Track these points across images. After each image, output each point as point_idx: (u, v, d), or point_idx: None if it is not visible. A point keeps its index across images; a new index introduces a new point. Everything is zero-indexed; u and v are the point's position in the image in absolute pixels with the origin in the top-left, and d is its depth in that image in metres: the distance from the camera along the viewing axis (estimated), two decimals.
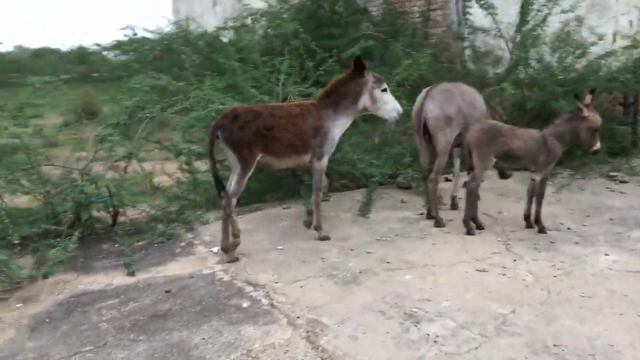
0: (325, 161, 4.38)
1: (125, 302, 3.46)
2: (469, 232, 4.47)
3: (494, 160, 4.40)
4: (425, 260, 3.97)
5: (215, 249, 4.28)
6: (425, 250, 4.16)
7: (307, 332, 2.99)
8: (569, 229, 4.57)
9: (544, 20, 6.62)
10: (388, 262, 3.95)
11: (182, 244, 4.50)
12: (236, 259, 4.06)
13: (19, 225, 4.16)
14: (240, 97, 5.78)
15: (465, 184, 4.73)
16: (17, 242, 4.11)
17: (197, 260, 4.14)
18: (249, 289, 3.59)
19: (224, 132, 4.04)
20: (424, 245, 4.27)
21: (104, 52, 9.41)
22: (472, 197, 4.50)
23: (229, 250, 4.08)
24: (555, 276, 3.64)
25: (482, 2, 7.06)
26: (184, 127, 5.35)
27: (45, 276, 3.69)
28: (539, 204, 4.49)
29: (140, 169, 5.34)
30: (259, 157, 4.12)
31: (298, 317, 3.16)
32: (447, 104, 4.73)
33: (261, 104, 4.90)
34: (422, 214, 5.06)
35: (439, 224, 4.76)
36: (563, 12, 6.69)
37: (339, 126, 4.40)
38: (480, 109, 4.89)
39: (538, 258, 3.95)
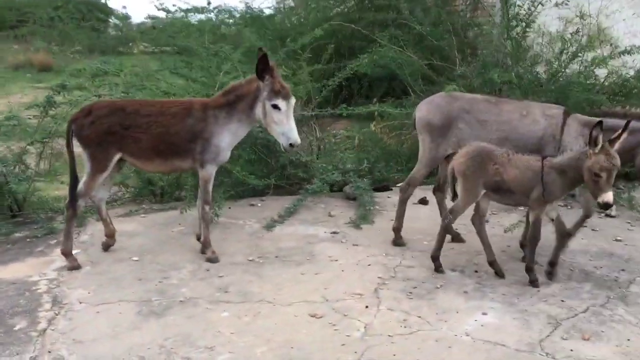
0: (209, 170, 3.85)
1: None
2: (437, 270, 3.76)
3: (482, 191, 3.63)
4: (267, 294, 3.44)
5: (74, 251, 4.00)
6: (281, 281, 3.61)
7: None
8: (476, 271, 3.79)
9: None
10: (226, 292, 3.47)
11: (53, 241, 4.26)
12: (76, 267, 3.76)
13: None
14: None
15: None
16: None
17: (43, 263, 3.89)
18: (46, 306, 3.27)
19: (76, 127, 3.73)
20: (286, 274, 3.72)
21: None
22: (443, 233, 3.79)
23: (68, 255, 3.78)
24: (390, 335, 2.99)
25: None
26: None
27: None
28: (530, 251, 3.61)
29: None
30: (116, 156, 3.76)
31: (49, 352, 2.81)
32: (436, 110, 4.05)
33: (135, 99, 4.48)
34: (334, 232, 4.46)
35: (396, 241, 4.19)
36: None
37: (227, 132, 3.83)
38: (499, 132, 3.91)
39: (397, 308, 3.29)
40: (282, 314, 3.21)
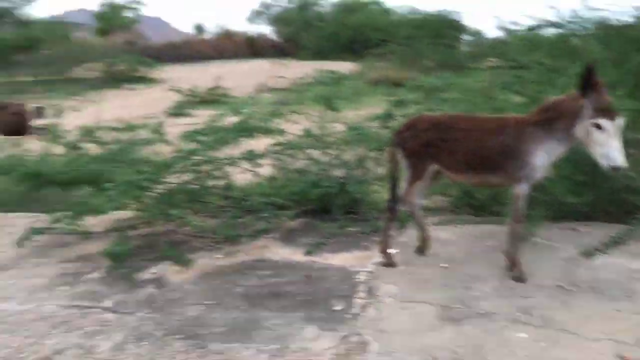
0: (522, 187, 3.81)
1: (272, 275, 4.12)
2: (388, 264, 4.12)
3: None
4: (571, 324, 3.25)
5: (393, 251, 4.41)
6: (590, 314, 3.36)
7: None
8: None
9: None
10: (527, 313, 3.39)
11: (376, 239, 4.77)
12: (391, 264, 4.16)
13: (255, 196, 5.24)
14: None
15: None
16: (249, 209, 5.18)
17: (365, 256, 4.40)
18: (361, 295, 3.73)
19: (400, 139, 4.14)
20: (597, 307, 3.43)
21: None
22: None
23: (384, 252, 4.20)
24: None
25: None
26: None
27: (230, 238, 4.67)
28: None
29: None
30: (432, 167, 4.05)
31: (357, 335, 3.22)
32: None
33: (454, 114, 4.60)
34: None
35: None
36: None
37: (543, 151, 3.73)
38: None
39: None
40: (584, 348, 3.00)
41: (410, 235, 4.80)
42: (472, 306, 3.51)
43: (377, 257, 4.29)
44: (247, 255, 4.54)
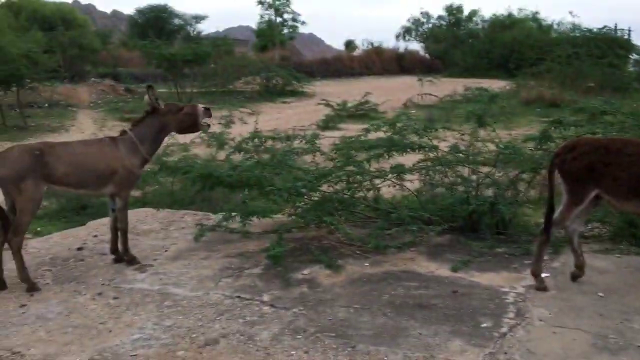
0: None
1: (418, 287, 4.22)
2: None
3: None
4: None
5: (544, 275, 4.31)
6: None
7: None
8: None
9: None
10: None
11: (527, 261, 4.67)
12: (543, 288, 4.06)
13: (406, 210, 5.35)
14: None
15: None
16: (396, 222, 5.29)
17: (515, 278, 4.34)
18: (510, 315, 3.71)
19: (559, 160, 4.05)
20: None
21: None
22: None
23: (537, 276, 4.11)
24: None
25: None
26: None
27: (378, 248, 4.81)
28: None
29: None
30: (593, 192, 3.92)
31: (505, 353, 3.22)
32: None
33: (619, 138, 4.35)
34: None
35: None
36: None
37: None
38: None
39: None
40: None
41: (562, 261, 4.65)
42: (630, 338, 3.35)
43: (528, 280, 4.22)
44: (394, 266, 4.69)
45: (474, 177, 5.63)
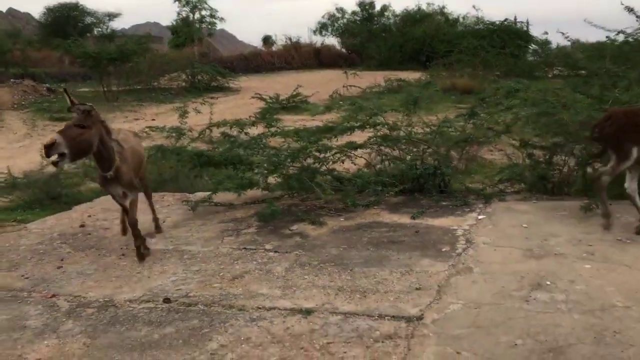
0: None
1: (388, 231, 5.35)
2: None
3: None
4: (629, 260, 4.32)
5: (480, 216, 5.56)
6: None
7: None
8: None
9: None
10: (592, 254, 4.49)
11: (467, 209, 5.91)
12: (609, 225, 5.03)
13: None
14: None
15: None
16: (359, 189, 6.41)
17: (460, 220, 5.56)
18: (461, 242, 4.92)
19: (599, 129, 5.04)
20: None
21: None
22: None
23: (609, 216, 5.03)
24: None
25: None
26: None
27: (354, 205, 5.94)
28: None
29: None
30: (634, 149, 4.82)
31: (462, 263, 4.42)
32: None
33: None
34: None
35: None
36: None
37: None
38: None
39: None
40: (633, 273, 4.08)
41: (493, 207, 5.93)
42: (548, 251, 4.62)
43: (470, 221, 5.47)
44: (364, 219, 5.80)
45: (417, 149, 6.85)
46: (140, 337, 3.60)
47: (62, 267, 4.98)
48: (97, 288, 4.45)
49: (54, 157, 4.24)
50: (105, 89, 22.94)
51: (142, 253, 5.00)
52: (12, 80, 24.77)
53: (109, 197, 5.30)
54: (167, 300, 4.12)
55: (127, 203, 5.05)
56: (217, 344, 3.44)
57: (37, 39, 33.09)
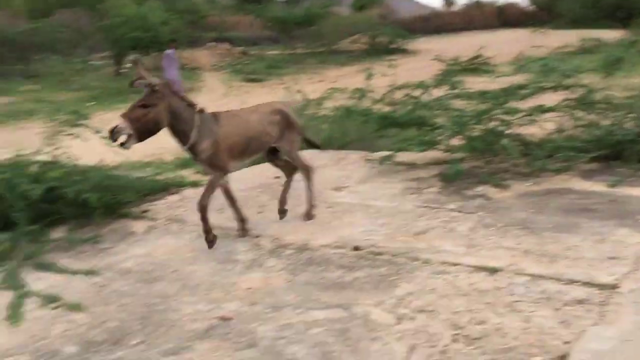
0: None
1: (579, 198, 5.11)
2: None
3: None
4: None
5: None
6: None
7: None
8: None
9: None
10: None
11: None
12: None
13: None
14: None
15: None
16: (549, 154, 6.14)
17: None
18: None
19: None
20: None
21: None
22: None
23: None
24: None
25: None
26: None
27: (542, 169, 5.74)
28: None
29: None
30: None
31: None
32: None
33: None
34: None
35: None
36: None
37: None
38: None
39: None
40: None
41: None
42: None
43: None
44: (553, 185, 5.59)
45: (616, 113, 6.35)
46: (334, 277, 3.96)
47: (262, 212, 5.56)
48: (294, 233, 4.91)
49: (122, 139, 4.19)
50: (290, 51, 24.21)
51: (210, 240, 4.74)
52: (210, 43, 27.26)
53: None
54: (356, 248, 4.44)
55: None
56: (404, 291, 3.66)
57: (232, 4, 35.75)
